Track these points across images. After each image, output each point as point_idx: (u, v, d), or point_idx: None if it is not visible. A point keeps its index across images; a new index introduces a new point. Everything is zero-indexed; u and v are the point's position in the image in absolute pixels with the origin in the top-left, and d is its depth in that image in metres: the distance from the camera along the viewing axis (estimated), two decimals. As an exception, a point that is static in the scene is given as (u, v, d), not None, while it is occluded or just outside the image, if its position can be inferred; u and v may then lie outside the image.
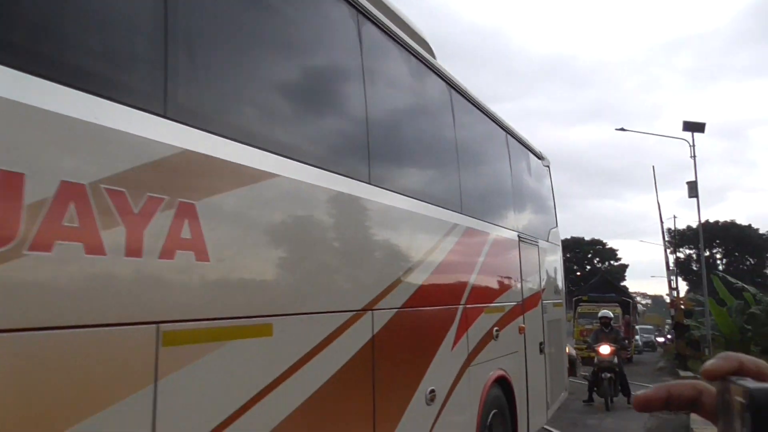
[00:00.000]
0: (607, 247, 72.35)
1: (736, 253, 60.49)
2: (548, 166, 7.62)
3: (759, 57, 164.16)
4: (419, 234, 3.88)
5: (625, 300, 24.56)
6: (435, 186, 4.39)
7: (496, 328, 4.95)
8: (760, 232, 59.50)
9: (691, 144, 21.71)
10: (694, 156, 21.66)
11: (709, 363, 0.39)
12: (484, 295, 4.84)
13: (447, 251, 4.18)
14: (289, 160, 2.60)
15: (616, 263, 71.30)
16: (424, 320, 3.80)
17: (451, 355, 4.10)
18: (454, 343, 4.16)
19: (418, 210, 3.84)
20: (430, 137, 4.49)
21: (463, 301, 4.37)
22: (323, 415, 2.70)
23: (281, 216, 2.59)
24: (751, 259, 59.72)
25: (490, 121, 5.63)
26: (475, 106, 5.29)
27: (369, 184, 3.28)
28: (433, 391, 3.73)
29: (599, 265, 70.45)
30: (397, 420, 3.32)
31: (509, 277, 5.50)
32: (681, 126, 20.87)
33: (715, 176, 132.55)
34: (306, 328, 2.61)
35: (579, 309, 22.56)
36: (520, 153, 6.59)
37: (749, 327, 19.78)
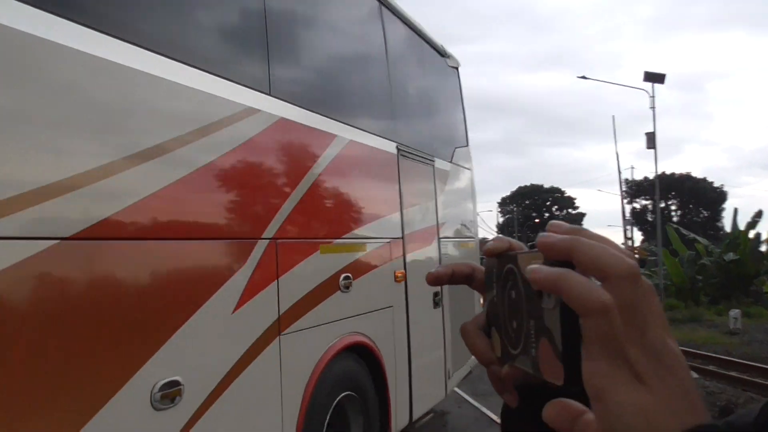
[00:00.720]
0: (565, 195, 72.05)
1: (691, 206, 60.71)
2: (456, 68, 5.85)
3: (718, 10, 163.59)
4: (147, 107, 2.18)
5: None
6: (204, 40, 2.66)
7: (345, 275, 3.34)
8: (714, 185, 59.76)
9: (651, 95, 21.30)
10: (654, 107, 21.30)
11: (490, 244, 0.47)
12: (319, 225, 3.20)
13: (225, 148, 2.50)
14: None
15: (574, 211, 71.18)
16: (150, 261, 2.14)
17: (231, 319, 2.48)
18: (242, 300, 2.53)
19: (142, 66, 2.12)
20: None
21: (268, 233, 2.72)
22: None
23: None
24: (704, 212, 60.06)
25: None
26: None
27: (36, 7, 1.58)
28: (173, 384, 2.12)
29: (557, 213, 70.31)
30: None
31: (375, 203, 3.86)
32: (641, 76, 20.22)
33: (673, 128, 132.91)
34: None
35: None
36: (409, 39, 4.85)
37: (700, 277, 20.17)
